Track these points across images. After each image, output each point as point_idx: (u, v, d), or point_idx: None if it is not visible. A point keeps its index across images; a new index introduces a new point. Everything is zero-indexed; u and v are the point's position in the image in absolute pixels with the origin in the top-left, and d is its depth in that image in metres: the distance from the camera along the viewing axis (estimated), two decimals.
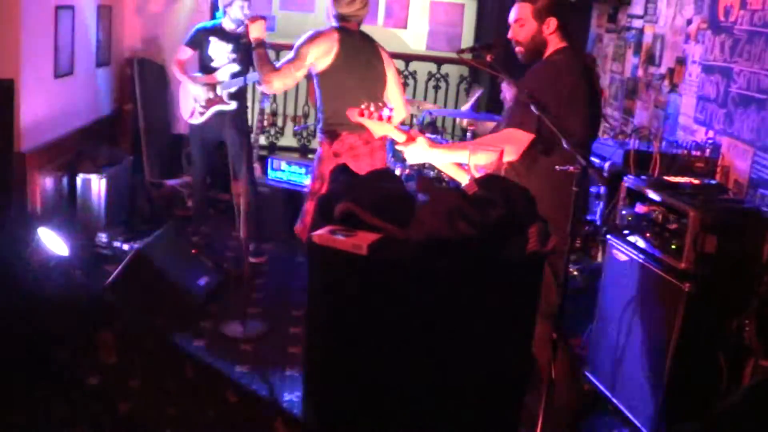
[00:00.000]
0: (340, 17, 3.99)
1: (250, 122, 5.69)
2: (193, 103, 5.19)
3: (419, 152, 2.84)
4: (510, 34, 3.06)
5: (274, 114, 7.05)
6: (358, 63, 3.98)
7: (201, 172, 5.48)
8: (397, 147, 2.95)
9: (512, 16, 3.04)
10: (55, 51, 4.89)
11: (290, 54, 3.94)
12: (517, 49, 3.06)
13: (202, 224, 5.57)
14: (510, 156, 2.84)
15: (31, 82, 4.54)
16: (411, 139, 2.82)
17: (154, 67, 6.37)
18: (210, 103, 5.14)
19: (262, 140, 6.87)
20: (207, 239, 5.46)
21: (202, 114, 5.17)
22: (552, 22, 2.97)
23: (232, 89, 5.09)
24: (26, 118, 4.47)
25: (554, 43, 3.00)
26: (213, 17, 6.22)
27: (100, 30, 5.75)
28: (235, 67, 5.07)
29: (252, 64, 4.74)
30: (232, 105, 5.12)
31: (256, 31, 4.04)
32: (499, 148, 2.73)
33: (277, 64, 3.95)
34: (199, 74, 5.19)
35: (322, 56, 3.91)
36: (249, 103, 5.60)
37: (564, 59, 2.97)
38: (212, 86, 5.13)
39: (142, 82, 6.16)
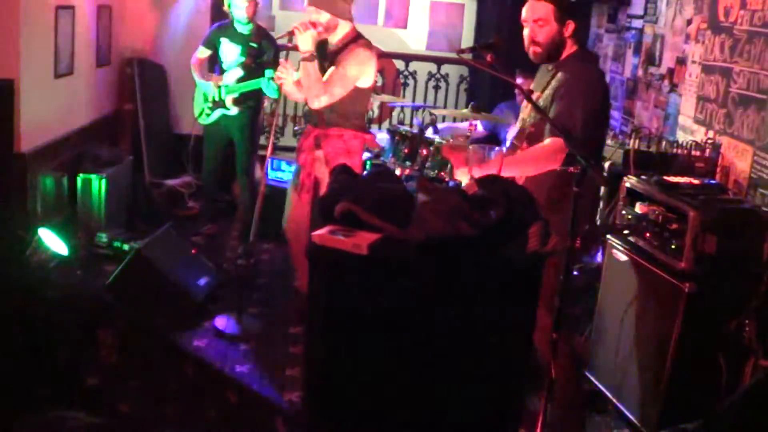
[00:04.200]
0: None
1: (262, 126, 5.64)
2: (202, 103, 5.19)
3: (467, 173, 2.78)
4: (528, 33, 2.97)
5: (273, 114, 7.04)
6: None
7: (211, 172, 5.46)
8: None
9: (530, 14, 2.95)
10: (55, 51, 4.89)
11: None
12: (533, 49, 2.99)
13: (207, 224, 5.56)
14: (553, 165, 2.79)
15: (31, 82, 4.53)
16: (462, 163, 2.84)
17: (154, 67, 6.36)
18: (216, 105, 5.13)
19: (262, 140, 6.87)
20: (208, 239, 5.45)
21: (209, 115, 5.18)
22: (571, 25, 2.94)
23: (235, 94, 5.07)
24: (26, 118, 4.46)
25: (569, 46, 2.97)
26: (212, 18, 6.21)
27: (100, 30, 5.74)
28: (241, 72, 5.05)
29: (261, 70, 4.73)
30: (233, 110, 5.10)
31: (304, 43, 3.75)
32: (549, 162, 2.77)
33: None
34: (214, 74, 5.19)
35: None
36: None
37: (590, 68, 2.96)
38: (219, 88, 5.13)
39: (142, 82, 6.16)
